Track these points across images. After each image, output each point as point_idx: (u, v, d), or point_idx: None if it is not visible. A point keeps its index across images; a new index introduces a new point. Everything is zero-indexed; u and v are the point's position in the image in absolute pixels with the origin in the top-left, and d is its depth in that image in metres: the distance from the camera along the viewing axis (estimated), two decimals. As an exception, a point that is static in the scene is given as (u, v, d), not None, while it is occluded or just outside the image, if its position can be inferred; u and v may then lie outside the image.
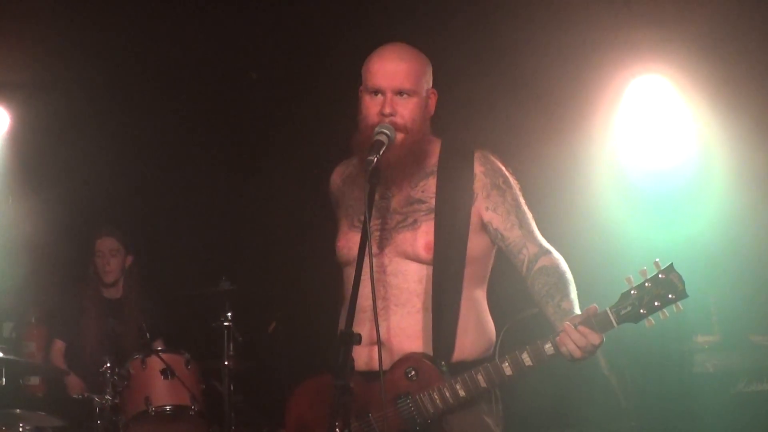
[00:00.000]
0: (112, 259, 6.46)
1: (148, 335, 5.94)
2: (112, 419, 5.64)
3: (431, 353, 3.34)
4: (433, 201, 3.43)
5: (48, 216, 6.94)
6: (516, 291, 3.50)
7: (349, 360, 2.99)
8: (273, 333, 6.57)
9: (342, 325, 3.36)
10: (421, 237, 3.40)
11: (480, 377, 3.24)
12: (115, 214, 6.98)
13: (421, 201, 3.45)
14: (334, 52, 6.34)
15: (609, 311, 3.14)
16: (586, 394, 5.88)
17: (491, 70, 6.12)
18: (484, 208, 3.43)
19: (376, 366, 3.21)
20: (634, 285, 3.15)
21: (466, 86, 5.66)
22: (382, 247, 3.42)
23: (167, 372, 5.72)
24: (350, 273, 3.43)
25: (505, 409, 3.48)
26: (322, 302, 3.88)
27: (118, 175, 7.06)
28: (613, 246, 5.84)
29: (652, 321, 3.15)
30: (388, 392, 3.22)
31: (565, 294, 3.26)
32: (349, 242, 3.51)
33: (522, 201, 3.46)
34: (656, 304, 3.12)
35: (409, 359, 3.32)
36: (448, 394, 3.25)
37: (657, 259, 3.15)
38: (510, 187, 3.46)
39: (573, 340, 3.12)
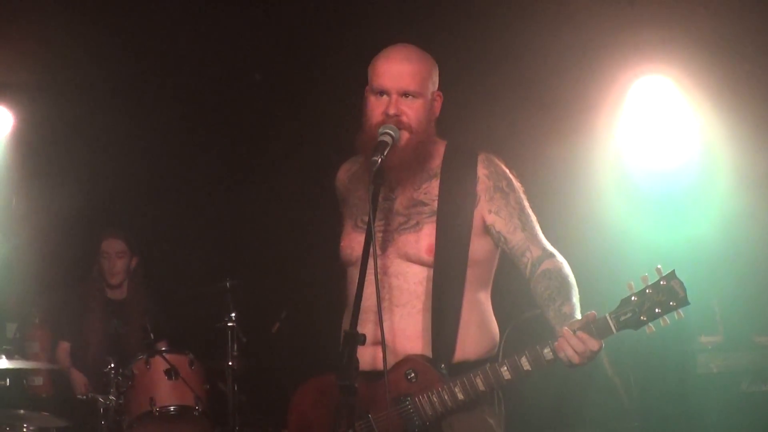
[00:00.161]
0: (118, 260, 6.47)
1: (152, 336, 5.94)
2: (116, 419, 5.63)
3: (431, 354, 3.35)
4: (435, 203, 3.44)
5: (51, 217, 6.95)
6: (521, 291, 3.50)
7: (354, 360, 3.00)
8: (277, 333, 6.57)
9: (345, 325, 3.37)
10: (423, 239, 3.41)
11: (479, 381, 3.25)
12: (118, 214, 6.98)
13: (423, 203, 3.46)
14: (336, 52, 6.34)
15: (608, 317, 3.13)
16: (588, 394, 5.89)
17: (494, 71, 6.12)
18: (487, 211, 3.43)
19: (377, 366, 3.23)
20: (635, 291, 3.13)
21: (469, 87, 5.65)
22: (384, 249, 3.43)
23: (171, 372, 5.72)
24: (353, 273, 3.45)
25: (507, 410, 3.49)
26: (325, 302, 3.88)
27: (121, 175, 7.06)
28: (617, 246, 5.84)
29: (653, 328, 3.13)
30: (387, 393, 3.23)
31: (567, 298, 3.26)
32: (352, 242, 3.51)
33: (525, 204, 3.46)
34: (657, 311, 3.10)
35: (408, 361, 3.33)
36: (446, 397, 3.26)
37: (659, 266, 3.13)
38: (513, 190, 3.46)
39: (571, 345, 3.11)
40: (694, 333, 5.89)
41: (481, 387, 3.24)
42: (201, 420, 5.77)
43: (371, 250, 3.14)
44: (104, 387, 5.68)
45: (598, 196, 6.02)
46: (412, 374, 3.31)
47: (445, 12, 6.09)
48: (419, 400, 3.28)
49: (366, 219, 3.42)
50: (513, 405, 3.55)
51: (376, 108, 3.41)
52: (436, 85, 3.51)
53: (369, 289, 3.17)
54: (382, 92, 3.41)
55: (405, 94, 3.40)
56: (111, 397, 5.62)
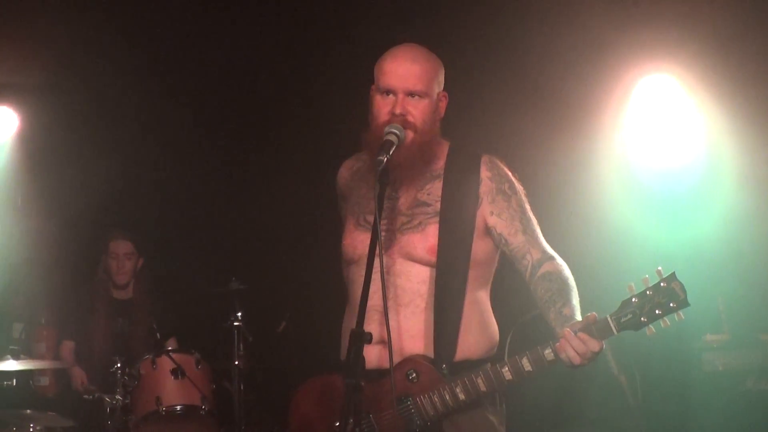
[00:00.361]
0: (126, 261, 6.48)
1: (158, 335, 5.96)
2: (122, 419, 5.65)
3: (433, 353, 3.36)
4: (438, 204, 3.44)
5: (57, 217, 6.96)
6: (523, 292, 3.51)
7: (361, 359, 3.01)
8: (283, 333, 6.58)
9: (346, 323, 3.39)
10: (426, 239, 3.42)
11: (480, 381, 3.26)
12: (124, 214, 7.00)
13: (426, 204, 3.47)
14: (340, 51, 6.35)
15: (609, 318, 3.14)
16: (592, 392, 5.88)
17: (499, 70, 6.12)
18: (489, 213, 3.44)
19: (380, 365, 3.26)
20: (636, 292, 3.14)
21: (473, 87, 5.66)
22: (387, 248, 3.43)
23: (178, 372, 5.74)
24: (354, 271, 3.47)
25: (508, 408, 3.50)
26: (331, 302, 3.88)
27: (127, 176, 7.07)
28: (622, 245, 5.84)
29: (653, 329, 3.14)
30: (389, 393, 3.24)
31: (567, 300, 3.26)
32: (354, 241, 3.52)
33: (527, 207, 3.47)
34: (657, 312, 3.11)
35: (410, 361, 3.34)
36: (448, 398, 3.28)
37: (659, 267, 3.13)
38: (515, 192, 3.47)
39: (573, 346, 3.12)
40: (700, 331, 5.89)
41: (483, 387, 3.26)
42: (207, 419, 5.79)
43: (377, 249, 3.14)
44: (111, 386, 5.70)
45: (602, 195, 6.02)
46: (414, 374, 3.31)
47: (450, 12, 6.09)
48: (420, 400, 3.29)
49: (368, 217, 3.45)
50: (514, 403, 3.56)
51: (383, 107, 3.41)
52: (442, 86, 3.51)
53: (372, 288, 3.17)
54: (388, 91, 3.41)
55: (411, 94, 3.40)
56: (117, 397, 5.64)
